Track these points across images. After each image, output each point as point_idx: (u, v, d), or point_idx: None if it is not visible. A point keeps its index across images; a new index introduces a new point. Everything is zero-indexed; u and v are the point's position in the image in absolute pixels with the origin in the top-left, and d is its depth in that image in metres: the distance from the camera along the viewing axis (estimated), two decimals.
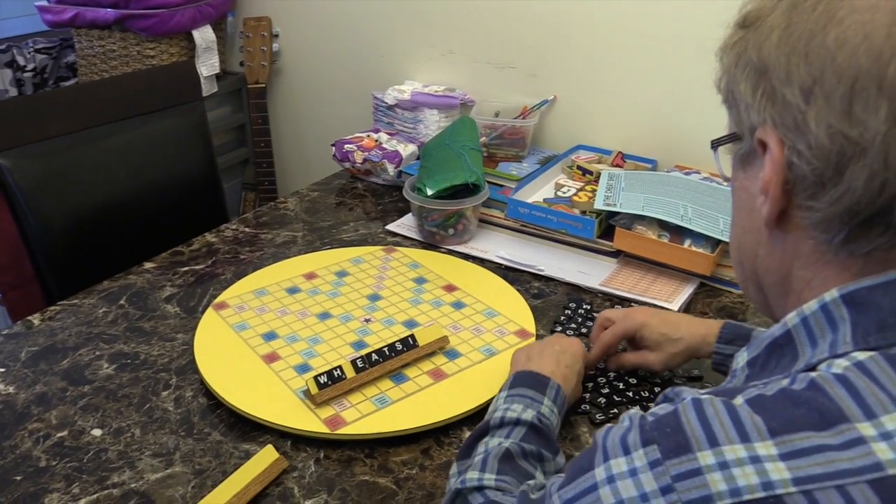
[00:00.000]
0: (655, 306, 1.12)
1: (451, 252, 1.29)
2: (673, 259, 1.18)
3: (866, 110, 0.46)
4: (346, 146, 1.57)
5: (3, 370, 0.99)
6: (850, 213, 0.48)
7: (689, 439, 0.46)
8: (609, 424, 0.54)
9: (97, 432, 0.89)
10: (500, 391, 0.84)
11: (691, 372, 0.98)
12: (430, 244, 1.32)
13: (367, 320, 1.09)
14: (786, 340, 0.53)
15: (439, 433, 0.89)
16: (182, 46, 1.87)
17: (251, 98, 1.95)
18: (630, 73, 1.51)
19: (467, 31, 1.67)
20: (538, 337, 1.05)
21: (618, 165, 1.47)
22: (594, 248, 1.27)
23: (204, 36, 1.88)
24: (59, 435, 0.88)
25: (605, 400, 0.93)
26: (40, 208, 1.30)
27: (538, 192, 1.40)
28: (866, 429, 0.43)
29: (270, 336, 1.05)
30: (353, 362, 0.93)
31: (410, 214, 1.39)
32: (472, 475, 0.70)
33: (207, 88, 1.90)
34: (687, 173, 1.40)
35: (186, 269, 1.24)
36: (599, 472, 0.49)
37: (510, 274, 1.22)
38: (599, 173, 1.39)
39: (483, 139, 1.52)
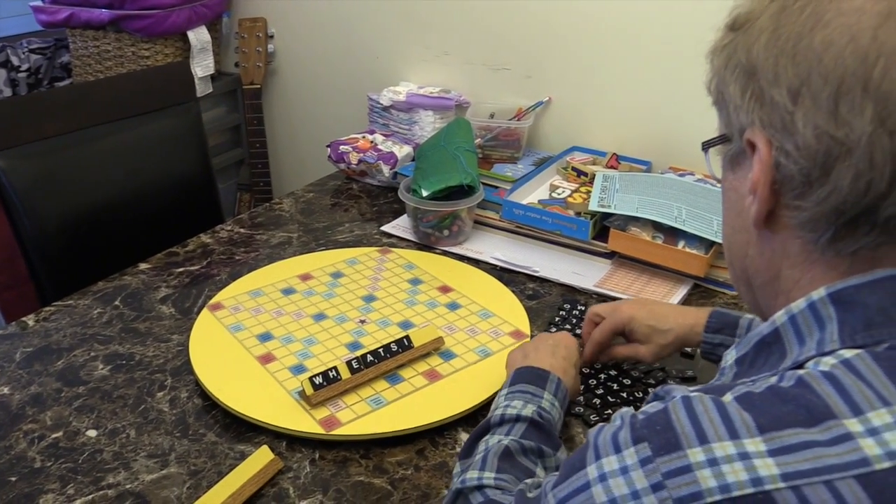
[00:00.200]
0: None
1: (446, 253, 1.29)
2: (667, 260, 1.19)
3: (852, 111, 0.46)
4: (341, 147, 1.57)
5: None
6: (837, 213, 0.49)
7: (679, 437, 0.47)
8: (602, 423, 0.54)
9: (92, 433, 0.89)
10: (501, 390, 0.84)
11: (685, 373, 0.99)
12: (425, 245, 1.32)
13: (363, 321, 1.09)
14: (774, 339, 0.53)
15: (434, 434, 0.89)
16: (177, 47, 1.86)
17: (246, 99, 1.95)
18: (625, 74, 1.51)
19: (462, 33, 1.67)
20: (533, 338, 1.05)
21: (612, 167, 1.47)
22: (589, 250, 1.27)
23: (199, 37, 1.87)
24: (53, 436, 0.88)
25: (599, 401, 0.94)
26: (35, 209, 1.30)
27: (533, 194, 1.40)
28: (853, 425, 0.44)
29: (266, 337, 1.05)
30: (349, 363, 0.93)
31: (406, 216, 1.39)
32: (472, 474, 0.70)
33: (202, 89, 1.90)
34: (681, 175, 1.41)
35: (181, 269, 1.24)
36: (591, 471, 0.50)
37: (505, 275, 1.23)
38: (594, 175, 1.39)
39: (478, 141, 1.52)
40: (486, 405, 0.92)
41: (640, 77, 1.50)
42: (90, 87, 1.55)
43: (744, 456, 0.44)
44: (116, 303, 1.15)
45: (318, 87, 1.97)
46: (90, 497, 0.80)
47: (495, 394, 0.92)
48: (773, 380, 0.48)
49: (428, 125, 1.64)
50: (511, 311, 1.11)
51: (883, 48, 0.46)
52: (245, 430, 0.89)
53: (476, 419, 0.91)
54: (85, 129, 1.38)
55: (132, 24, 1.77)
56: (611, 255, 1.26)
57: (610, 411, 0.92)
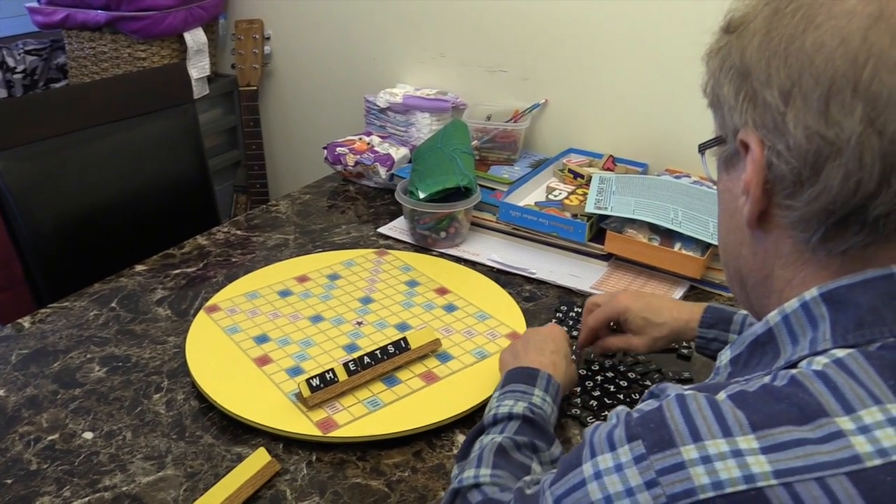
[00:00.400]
0: None
1: (442, 255, 1.29)
2: (663, 262, 1.19)
3: (842, 111, 0.47)
4: (337, 149, 1.57)
5: None
6: (827, 212, 0.50)
7: (673, 434, 0.47)
8: (598, 422, 0.55)
9: (88, 435, 0.88)
10: (494, 392, 0.85)
11: (681, 374, 0.99)
12: (421, 247, 1.32)
13: (359, 323, 1.09)
14: (768, 338, 0.54)
15: (431, 436, 0.89)
16: (173, 49, 1.86)
17: (243, 100, 1.94)
18: (621, 77, 1.52)
19: (459, 35, 1.67)
20: (522, 335, 1.05)
21: (609, 169, 1.47)
22: (585, 252, 1.27)
23: (195, 38, 1.87)
24: (50, 438, 0.88)
25: (596, 402, 0.94)
26: (31, 210, 1.29)
27: (530, 196, 1.40)
28: (845, 423, 0.45)
29: (262, 339, 1.05)
30: (346, 365, 0.93)
31: (402, 217, 1.39)
32: (469, 473, 0.71)
33: (199, 91, 1.90)
34: (677, 177, 1.41)
35: (178, 271, 1.24)
36: (587, 468, 0.51)
37: (502, 277, 1.23)
38: (590, 177, 1.39)
39: (475, 142, 1.53)
40: (483, 407, 0.92)
41: (636, 79, 1.50)
42: (86, 88, 1.55)
43: (737, 453, 0.45)
44: (113, 305, 1.14)
45: (314, 88, 1.96)
46: (86, 499, 0.79)
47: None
48: (767, 379, 0.49)
49: (424, 127, 1.64)
50: (508, 312, 1.11)
51: (872, 50, 0.47)
52: (242, 433, 0.89)
53: (473, 421, 0.91)
54: (81, 131, 1.38)
55: (128, 26, 1.77)
56: (607, 257, 1.26)
57: (606, 413, 0.92)
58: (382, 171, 1.51)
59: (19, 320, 1.10)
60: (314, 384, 0.90)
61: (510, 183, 1.42)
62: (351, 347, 1.03)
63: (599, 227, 1.27)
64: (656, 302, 0.95)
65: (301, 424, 0.88)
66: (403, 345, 0.98)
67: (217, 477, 0.82)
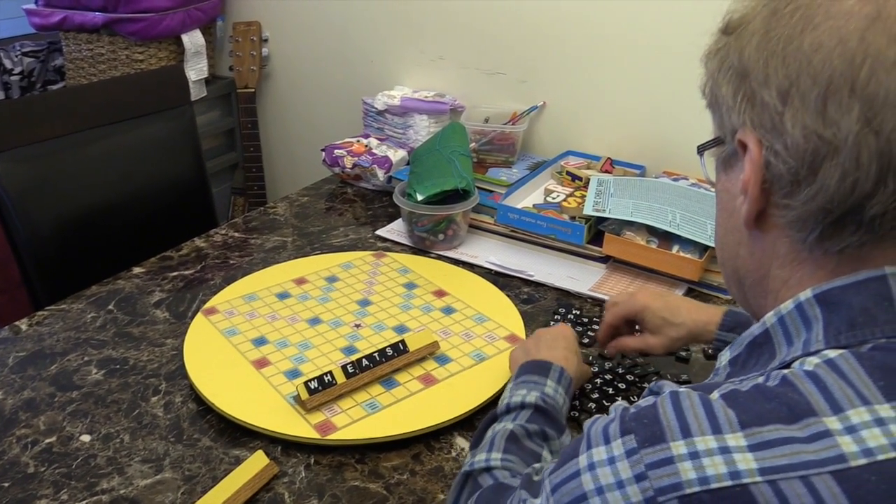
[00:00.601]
0: None
1: (440, 257, 1.29)
2: (661, 264, 1.19)
3: (839, 111, 0.48)
4: (335, 151, 1.57)
5: None
6: (824, 212, 0.50)
7: (664, 430, 0.48)
8: (598, 415, 0.56)
9: (86, 438, 0.88)
10: (507, 383, 0.86)
11: (680, 377, 0.99)
12: (420, 249, 1.32)
13: (358, 325, 1.09)
14: (764, 339, 0.55)
15: (430, 438, 0.89)
16: (171, 51, 1.86)
17: (240, 102, 1.94)
18: (619, 79, 1.52)
19: (457, 38, 1.67)
20: (531, 335, 1.05)
21: (607, 171, 1.48)
22: (583, 254, 1.27)
23: (193, 40, 1.87)
24: (47, 441, 0.88)
25: (594, 405, 0.94)
26: (28, 212, 1.29)
27: (528, 198, 1.40)
28: (832, 423, 0.45)
29: (260, 341, 1.04)
30: (344, 368, 0.93)
31: (400, 220, 1.39)
32: (480, 457, 0.72)
33: (196, 93, 1.90)
34: (675, 179, 1.41)
35: (175, 273, 1.24)
36: (582, 460, 0.52)
37: (500, 279, 1.23)
38: (589, 179, 1.39)
39: (473, 145, 1.53)
40: (481, 409, 0.92)
41: (634, 82, 1.50)
42: (84, 90, 1.55)
43: (724, 450, 0.46)
44: (110, 307, 1.14)
45: (312, 90, 1.96)
46: (84, 503, 0.79)
47: (491, 398, 0.93)
48: (760, 379, 0.50)
49: (423, 129, 1.64)
50: (506, 315, 1.11)
51: (870, 50, 0.47)
52: (240, 435, 0.89)
53: (472, 423, 0.91)
54: (78, 133, 1.38)
55: (126, 28, 1.76)
56: (605, 260, 1.26)
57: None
58: (380, 174, 1.51)
59: (16, 323, 1.10)
60: (312, 387, 0.90)
61: (508, 185, 1.42)
62: (349, 350, 1.03)
63: (597, 229, 1.27)
64: (675, 302, 0.95)
65: (299, 427, 0.88)
66: (402, 347, 0.98)
67: (215, 480, 0.81)
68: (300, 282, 1.20)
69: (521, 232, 1.32)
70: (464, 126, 1.48)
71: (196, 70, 1.90)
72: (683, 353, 1.03)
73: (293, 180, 2.07)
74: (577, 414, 0.92)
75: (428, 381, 0.97)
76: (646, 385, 0.98)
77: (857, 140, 0.47)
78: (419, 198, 1.28)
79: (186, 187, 1.54)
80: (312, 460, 0.86)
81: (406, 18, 1.73)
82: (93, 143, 1.40)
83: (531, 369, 0.85)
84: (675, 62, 1.43)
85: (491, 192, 1.42)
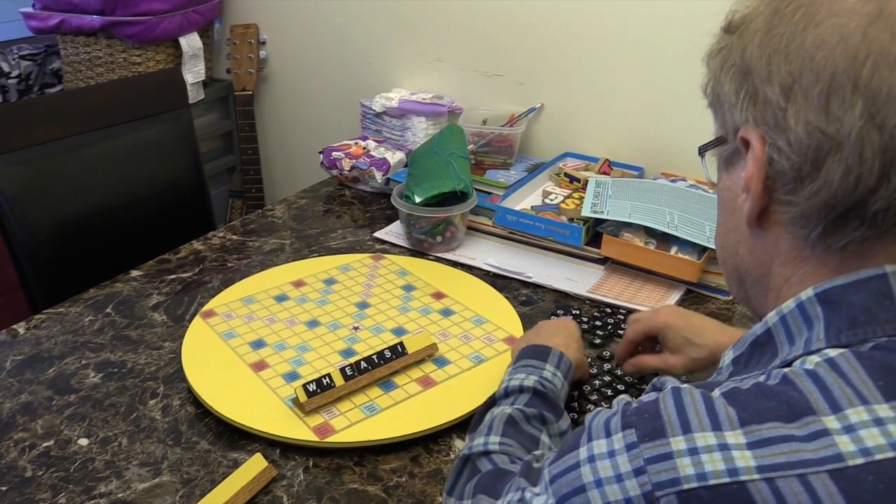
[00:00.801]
0: None
1: (439, 259, 1.29)
2: (660, 266, 1.19)
3: (842, 107, 0.48)
4: (333, 153, 1.57)
5: None
6: (827, 208, 0.50)
7: (665, 425, 0.49)
8: (599, 408, 0.56)
9: (84, 442, 0.88)
10: (507, 368, 0.86)
11: (681, 378, 0.99)
12: (418, 252, 1.32)
13: (356, 328, 1.09)
14: (767, 339, 0.55)
15: (428, 440, 0.89)
16: (168, 53, 1.86)
17: (238, 105, 1.94)
18: (617, 81, 1.52)
19: (455, 39, 1.68)
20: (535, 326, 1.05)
21: (605, 173, 1.48)
22: (582, 256, 1.27)
23: (191, 43, 1.87)
24: (45, 444, 0.87)
25: (593, 407, 0.94)
26: (25, 215, 1.29)
27: (526, 200, 1.40)
28: (831, 422, 0.46)
29: (258, 344, 1.04)
30: (342, 370, 0.93)
31: (398, 222, 1.39)
32: (479, 440, 0.72)
33: (194, 95, 1.90)
34: (673, 180, 1.41)
35: (173, 276, 1.24)
36: (582, 452, 0.52)
37: (498, 281, 1.23)
38: (587, 181, 1.39)
39: (471, 147, 1.53)
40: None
41: (632, 83, 1.50)
42: (81, 93, 1.55)
43: (723, 447, 0.46)
44: (108, 310, 1.14)
45: (310, 93, 1.96)
46: None
47: (490, 400, 0.92)
48: (761, 378, 0.50)
49: (420, 131, 1.64)
50: (504, 317, 1.11)
51: (872, 46, 0.47)
52: (238, 438, 0.89)
53: (470, 426, 0.91)
54: (76, 136, 1.38)
55: (123, 31, 1.76)
56: (604, 261, 1.26)
57: None
58: (378, 176, 1.51)
59: (14, 326, 1.10)
60: (311, 389, 0.90)
61: (506, 187, 1.42)
62: (347, 352, 1.03)
63: (596, 230, 1.27)
64: (699, 322, 0.92)
65: (298, 430, 0.88)
66: (400, 349, 0.98)
67: (213, 483, 0.81)
68: (298, 284, 1.20)
69: (519, 234, 1.32)
70: (462, 128, 1.48)
71: (194, 73, 1.90)
72: None
73: (291, 183, 2.07)
74: (575, 416, 0.92)
75: (426, 383, 0.97)
76: (645, 386, 0.98)
77: (860, 136, 0.48)
78: (417, 200, 1.28)
79: (184, 190, 1.54)
80: (311, 463, 0.85)
81: (404, 20, 1.73)
82: (90, 146, 1.40)
83: (530, 354, 0.85)
84: (673, 64, 1.43)
85: (489, 193, 1.42)
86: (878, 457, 0.44)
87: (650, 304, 1.15)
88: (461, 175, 1.32)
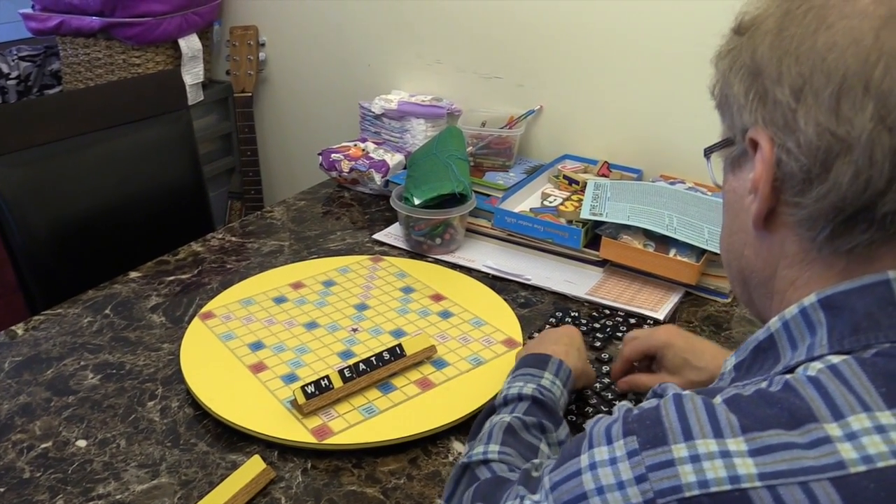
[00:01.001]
0: (641, 315, 1.13)
1: (438, 261, 1.29)
2: (658, 268, 1.19)
3: (853, 109, 0.48)
4: (332, 155, 1.57)
5: None
6: (836, 210, 0.50)
7: (666, 432, 0.48)
8: (601, 415, 0.56)
9: (82, 443, 0.88)
10: (507, 377, 0.86)
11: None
12: (417, 253, 1.32)
13: (355, 330, 1.09)
14: (769, 344, 0.55)
15: (427, 442, 0.89)
16: (168, 55, 1.86)
17: (237, 107, 1.94)
18: (616, 83, 1.52)
19: (454, 42, 1.68)
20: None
21: (604, 175, 1.48)
22: (580, 258, 1.27)
23: (190, 44, 1.87)
24: (43, 446, 0.87)
25: (591, 409, 0.94)
26: (24, 217, 1.29)
27: (525, 202, 1.40)
28: (833, 429, 0.45)
29: (257, 346, 1.04)
30: (341, 372, 0.93)
31: (397, 224, 1.39)
32: (478, 449, 0.72)
33: (193, 97, 1.90)
34: (672, 183, 1.41)
35: (172, 278, 1.24)
36: (584, 459, 0.52)
37: (497, 283, 1.23)
38: (585, 183, 1.39)
39: (470, 149, 1.53)
40: (479, 414, 0.92)
41: (631, 86, 1.50)
42: (80, 94, 1.55)
43: (725, 454, 0.46)
44: (107, 311, 1.14)
45: (309, 95, 1.97)
46: None
47: (488, 402, 0.92)
48: (764, 384, 0.50)
49: (419, 133, 1.64)
50: (503, 319, 1.11)
51: (884, 48, 0.47)
52: (236, 440, 0.89)
53: (469, 428, 0.90)
54: (75, 137, 1.38)
55: (123, 32, 1.76)
56: (602, 264, 1.26)
57: None
58: (377, 178, 1.51)
59: (12, 327, 1.10)
60: (309, 391, 0.90)
61: (505, 189, 1.42)
62: (346, 354, 1.03)
63: (594, 233, 1.27)
64: (699, 345, 0.90)
65: (296, 432, 0.88)
66: (399, 351, 0.97)
67: (211, 485, 0.81)
68: (297, 286, 1.20)
69: (518, 236, 1.32)
70: (461, 130, 1.48)
71: (193, 74, 1.90)
72: None
73: (290, 184, 2.07)
74: (574, 418, 0.92)
75: (425, 385, 0.97)
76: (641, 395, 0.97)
77: (870, 138, 0.47)
78: (416, 202, 1.28)
79: (183, 191, 1.54)
80: (309, 465, 0.85)
81: (403, 22, 1.73)
82: (89, 147, 1.40)
83: (530, 362, 0.85)
84: (672, 66, 1.44)
85: (488, 195, 1.42)
86: (881, 464, 0.44)
87: (649, 306, 1.15)
88: (460, 177, 1.32)
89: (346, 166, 1.54)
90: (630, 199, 1.29)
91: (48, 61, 2.00)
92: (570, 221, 1.30)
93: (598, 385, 0.98)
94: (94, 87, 1.78)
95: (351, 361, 0.98)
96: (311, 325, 1.09)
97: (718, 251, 1.19)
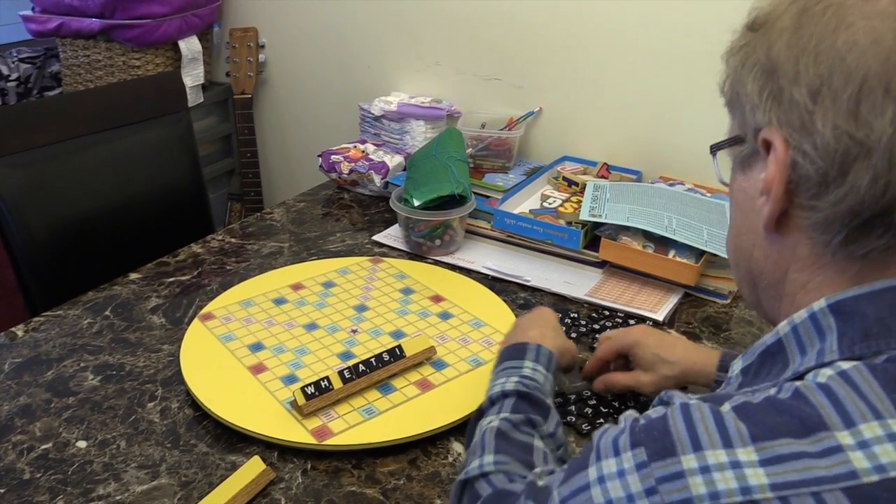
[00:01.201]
0: (641, 316, 1.13)
1: (437, 263, 1.29)
2: (657, 269, 1.19)
3: (873, 112, 0.47)
4: (332, 157, 1.57)
5: None
6: (852, 214, 0.49)
7: (675, 443, 0.47)
8: (607, 425, 0.55)
9: (82, 444, 0.88)
10: (490, 373, 0.85)
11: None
12: (416, 255, 1.32)
13: (354, 331, 1.09)
14: (777, 348, 0.54)
15: (426, 443, 0.89)
16: (168, 57, 1.86)
17: (237, 108, 1.95)
18: (615, 85, 1.52)
19: (454, 43, 1.68)
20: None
21: (603, 176, 1.48)
22: (580, 259, 1.27)
23: (190, 46, 1.87)
24: (43, 447, 0.87)
25: (591, 410, 0.94)
26: (24, 218, 1.29)
27: (524, 203, 1.41)
28: (844, 437, 0.44)
29: (257, 347, 1.04)
30: (341, 373, 0.93)
31: (397, 225, 1.39)
32: (474, 463, 0.70)
33: (193, 99, 1.90)
34: (671, 184, 1.42)
35: (172, 279, 1.24)
36: (592, 472, 0.51)
37: (497, 284, 1.23)
38: (585, 184, 1.40)
39: (469, 150, 1.53)
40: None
41: (630, 87, 1.51)
42: (80, 96, 1.55)
43: (735, 465, 0.45)
44: (107, 313, 1.14)
45: (309, 96, 1.97)
46: None
47: (478, 411, 0.92)
48: (773, 391, 0.49)
49: (419, 135, 1.64)
50: (503, 320, 1.11)
51: None
52: (236, 441, 0.89)
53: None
54: (75, 139, 1.38)
55: (123, 34, 1.77)
56: (602, 265, 1.26)
57: (601, 420, 0.92)
58: (377, 179, 1.51)
59: (12, 329, 1.10)
60: (309, 392, 0.90)
61: (505, 191, 1.42)
62: (346, 355, 1.03)
63: (594, 234, 1.27)
64: (670, 340, 0.92)
65: (296, 432, 0.88)
66: (398, 352, 0.98)
67: (211, 486, 0.81)
68: (297, 287, 1.20)
69: (517, 237, 1.32)
70: (460, 132, 1.49)
71: (193, 76, 1.90)
72: None
73: (290, 186, 2.07)
74: (573, 419, 0.92)
75: (424, 386, 0.97)
76: (616, 403, 0.97)
77: (891, 141, 0.46)
78: (416, 203, 1.28)
79: (183, 193, 1.54)
80: (309, 466, 0.85)
81: (403, 24, 1.73)
82: (89, 149, 1.40)
83: (508, 355, 0.84)
84: (672, 67, 1.44)
85: (487, 197, 1.42)
86: (893, 473, 0.43)
87: (648, 307, 1.15)
88: (460, 178, 1.32)
89: (345, 168, 1.54)
90: (629, 201, 1.29)
91: (48, 63, 2.01)
92: (569, 223, 1.30)
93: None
94: (94, 88, 1.78)
95: (351, 363, 0.98)
96: (311, 327, 1.09)
97: (718, 252, 1.20)
